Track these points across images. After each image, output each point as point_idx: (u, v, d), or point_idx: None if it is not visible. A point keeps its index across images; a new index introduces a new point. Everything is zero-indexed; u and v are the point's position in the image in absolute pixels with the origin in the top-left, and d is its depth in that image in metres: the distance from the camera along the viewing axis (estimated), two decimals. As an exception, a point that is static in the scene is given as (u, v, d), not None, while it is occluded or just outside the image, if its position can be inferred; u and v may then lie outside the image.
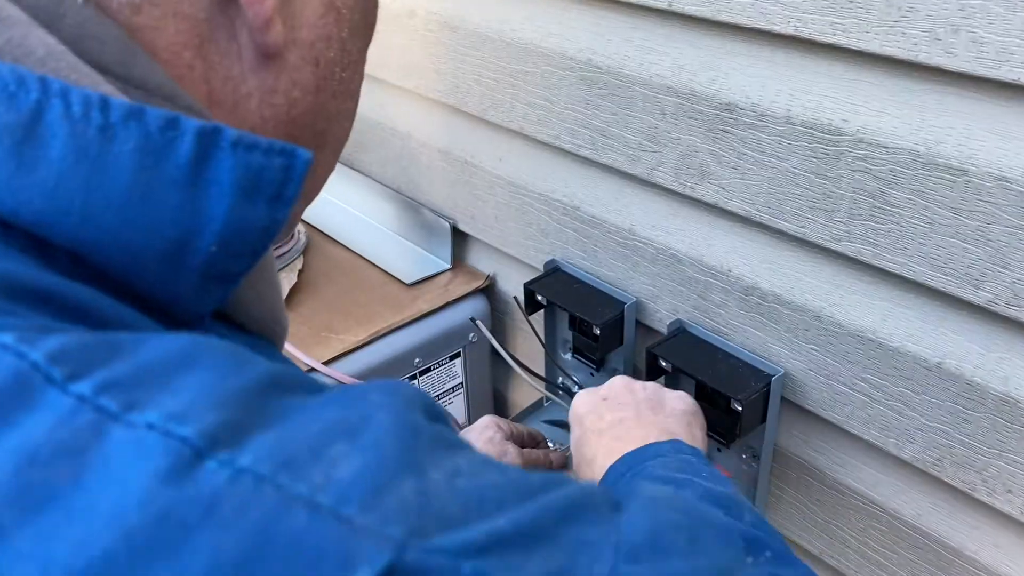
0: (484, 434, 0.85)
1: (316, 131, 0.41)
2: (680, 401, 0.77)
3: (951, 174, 0.65)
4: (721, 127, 0.80)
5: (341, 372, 1.02)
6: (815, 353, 0.80)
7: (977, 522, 0.75)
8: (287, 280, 1.16)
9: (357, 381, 1.03)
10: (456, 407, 1.18)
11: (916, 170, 0.67)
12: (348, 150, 1.37)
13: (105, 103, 0.30)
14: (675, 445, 0.67)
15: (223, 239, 0.32)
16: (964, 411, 0.71)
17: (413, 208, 1.23)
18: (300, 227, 1.29)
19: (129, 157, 0.30)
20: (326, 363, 1.03)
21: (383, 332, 1.08)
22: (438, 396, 1.15)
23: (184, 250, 0.31)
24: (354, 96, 0.44)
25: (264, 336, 0.40)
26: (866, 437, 0.79)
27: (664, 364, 0.89)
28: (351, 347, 1.05)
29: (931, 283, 0.69)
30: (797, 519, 0.91)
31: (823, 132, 0.72)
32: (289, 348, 1.03)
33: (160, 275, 0.32)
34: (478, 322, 0.99)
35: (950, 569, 0.78)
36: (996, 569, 0.74)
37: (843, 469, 0.84)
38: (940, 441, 0.73)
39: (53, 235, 0.30)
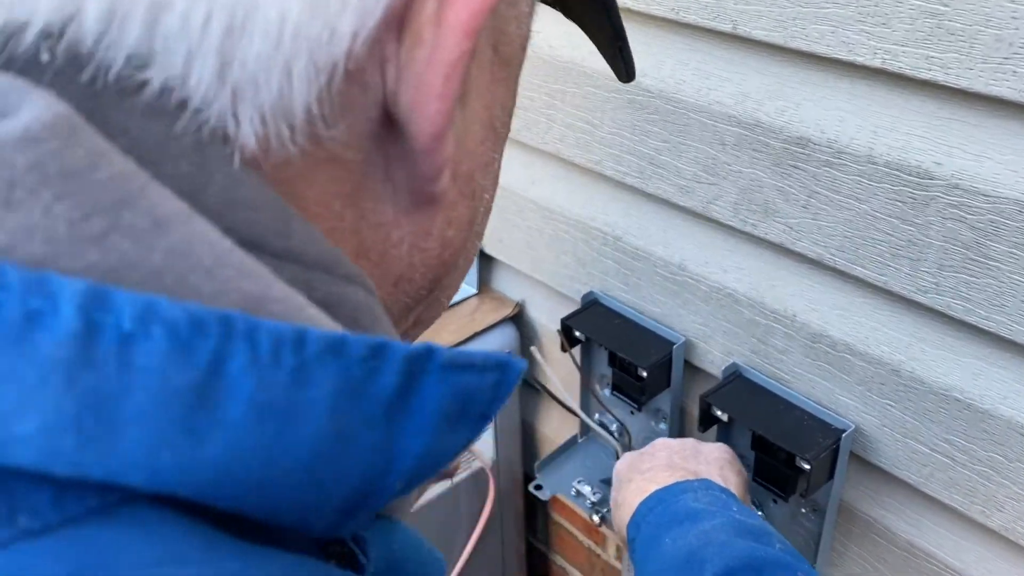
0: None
1: (458, 265, 0.34)
2: (716, 450, 0.79)
3: (1065, 229, 0.58)
4: (791, 162, 0.73)
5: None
6: (891, 409, 0.74)
7: (1073, 599, 0.69)
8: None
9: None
10: (484, 442, 1.12)
11: (1021, 222, 0.60)
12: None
13: (301, 339, 0.22)
14: (704, 483, 0.70)
15: (412, 475, 0.25)
16: (1066, 483, 0.64)
17: (436, 229, 1.16)
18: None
19: (324, 403, 0.23)
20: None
21: (409, 368, 1.01)
22: (466, 432, 1.09)
23: (368, 496, 0.25)
24: (490, 212, 0.36)
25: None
26: (947, 501, 0.73)
27: (719, 413, 0.82)
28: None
29: (1035, 345, 0.62)
30: (860, 577, 0.85)
31: (911, 175, 0.65)
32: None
33: (330, 521, 0.25)
34: (536, 352, 0.93)
35: (1038, 644, 0.72)
36: (1091, 648, 0.69)
37: (916, 531, 0.78)
38: (1035, 512, 0.67)
39: (214, 504, 0.23)
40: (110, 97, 0.23)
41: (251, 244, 0.25)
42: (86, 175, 0.21)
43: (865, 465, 0.79)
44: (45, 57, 0.23)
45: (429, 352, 0.24)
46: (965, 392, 0.68)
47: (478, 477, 1.12)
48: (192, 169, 0.24)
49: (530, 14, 0.34)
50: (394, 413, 0.24)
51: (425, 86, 0.25)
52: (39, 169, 0.21)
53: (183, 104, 0.24)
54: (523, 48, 0.33)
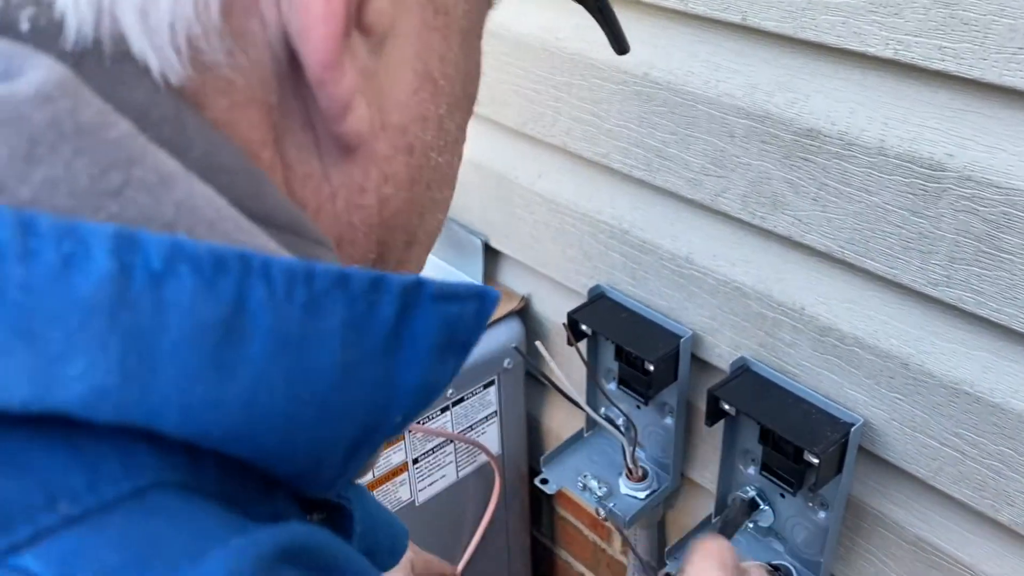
0: None
1: (408, 230, 0.33)
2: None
3: (1079, 221, 0.58)
4: (800, 154, 0.72)
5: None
6: (900, 403, 0.73)
7: (1084, 594, 0.68)
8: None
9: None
10: (490, 436, 1.11)
11: (1035, 214, 0.60)
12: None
13: (310, 274, 0.23)
14: None
15: (408, 410, 0.26)
16: (1078, 477, 0.64)
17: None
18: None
19: (334, 334, 0.24)
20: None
21: (414, 361, 1.01)
22: (471, 426, 1.08)
23: (373, 432, 0.26)
24: (451, 182, 0.36)
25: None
26: (956, 495, 0.72)
27: (727, 407, 0.82)
28: (381, 379, 0.98)
29: (1047, 339, 0.62)
30: (868, 572, 0.84)
31: (922, 166, 0.64)
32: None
33: (336, 464, 0.26)
34: (519, 349, 0.92)
35: (1047, 639, 0.72)
36: (1102, 643, 0.68)
37: (926, 525, 0.77)
38: (1046, 507, 0.67)
39: (237, 449, 0.24)
40: (87, 62, 0.24)
41: (232, 205, 0.25)
42: (99, 133, 0.22)
43: (874, 459, 0.79)
44: (25, 26, 0.23)
45: (419, 283, 0.25)
46: (975, 386, 0.68)
47: (484, 471, 1.12)
48: (173, 134, 0.25)
49: None
50: (392, 344, 0.25)
51: (308, 8, 0.25)
52: (56, 126, 0.21)
53: (147, 66, 0.24)
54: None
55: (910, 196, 0.66)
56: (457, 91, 0.33)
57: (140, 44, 0.24)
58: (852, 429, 0.75)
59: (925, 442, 0.73)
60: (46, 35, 0.23)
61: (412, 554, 0.77)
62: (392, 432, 0.27)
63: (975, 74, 0.59)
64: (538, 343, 0.89)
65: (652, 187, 0.87)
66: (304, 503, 0.30)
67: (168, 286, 0.21)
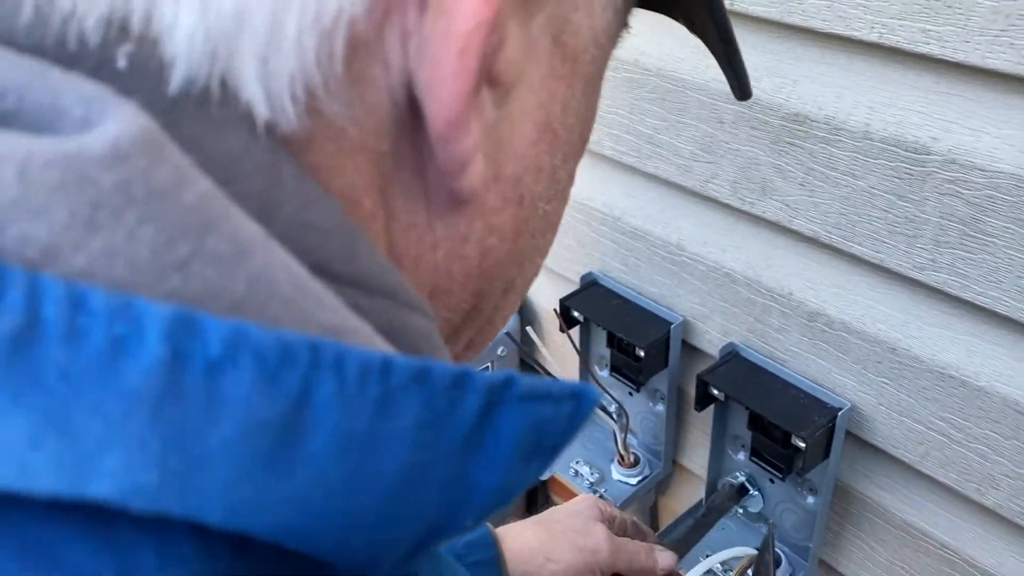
0: (571, 506, 0.74)
1: (507, 279, 0.32)
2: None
3: (1061, 203, 0.58)
4: (788, 139, 0.72)
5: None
6: (887, 387, 0.74)
7: (1068, 577, 0.69)
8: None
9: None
10: (483, 423, 1.12)
11: (1018, 196, 0.60)
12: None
13: (387, 368, 0.21)
14: None
15: (481, 513, 0.24)
16: (1061, 460, 0.64)
17: (436, 211, 1.16)
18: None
19: (408, 434, 0.22)
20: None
21: (408, 348, 1.01)
22: (465, 413, 1.09)
23: (439, 532, 0.24)
24: (556, 228, 0.34)
25: None
26: (942, 479, 0.73)
27: (716, 392, 0.82)
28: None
29: (1030, 321, 0.62)
30: (856, 556, 0.85)
31: (907, 150, 0.65)
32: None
33: (398, 560, 0.24)
34: (509, 333, 0.92)
35: (1033, 623, 0.72)
36: (1086, 626, 0.68)
37: (912, 510, 0.78)
38: (1030, 490, 0.67)
39: (292, 544, 0.22)
40: (184, 107, 0.22)
41: (318, 269, 0.23)
42: (172, 196, 0.20)
43: (861, 444, 0.79)
44: (122, 63, 0.21)
45: (509, 382, 0.23)
46: (961, 370, 0.68)
47: (477, 458, 1.12)
48: (266, 187, 0.23)
49: (610, 6, 0.31)
50: (472, 445, 0.23)
51: (440, 63, 0.23)
52: (125, 190, 0.19)
53: (250, 113, 0.22)
54: (597, 44, 0.30)
55: (895, 180, 0.66)
56: (575, 139, 0.31)
57: (253, 92, 0.22)
58: (839, 414, 0.76)
59: (912, 427, 0.73)
60: (146, 76, 0.21)
61: (597, 499, 0.75)
62: (461, 533, 0.25)
63: (959, 57, 0.59)
64: (528, 328, 0.90)
65: (643, 174, 0.88)
66: None
67: (225, 379, 0.19)
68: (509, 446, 0.23)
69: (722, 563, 0.85)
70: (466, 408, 0.22)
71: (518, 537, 0.70)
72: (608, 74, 0.93)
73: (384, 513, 0.22)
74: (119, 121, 0.20)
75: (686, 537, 0.81)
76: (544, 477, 1.00)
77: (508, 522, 0.74)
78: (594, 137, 0.94)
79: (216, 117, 0.22)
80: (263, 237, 0.21)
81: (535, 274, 0.35)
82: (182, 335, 0.19)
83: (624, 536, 0.76)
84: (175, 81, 0.21)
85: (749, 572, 0.80)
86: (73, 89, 0.20)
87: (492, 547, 0.68)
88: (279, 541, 0.22)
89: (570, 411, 0.25)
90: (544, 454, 0.25)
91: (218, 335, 0.19)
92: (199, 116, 0.22)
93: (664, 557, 0.74)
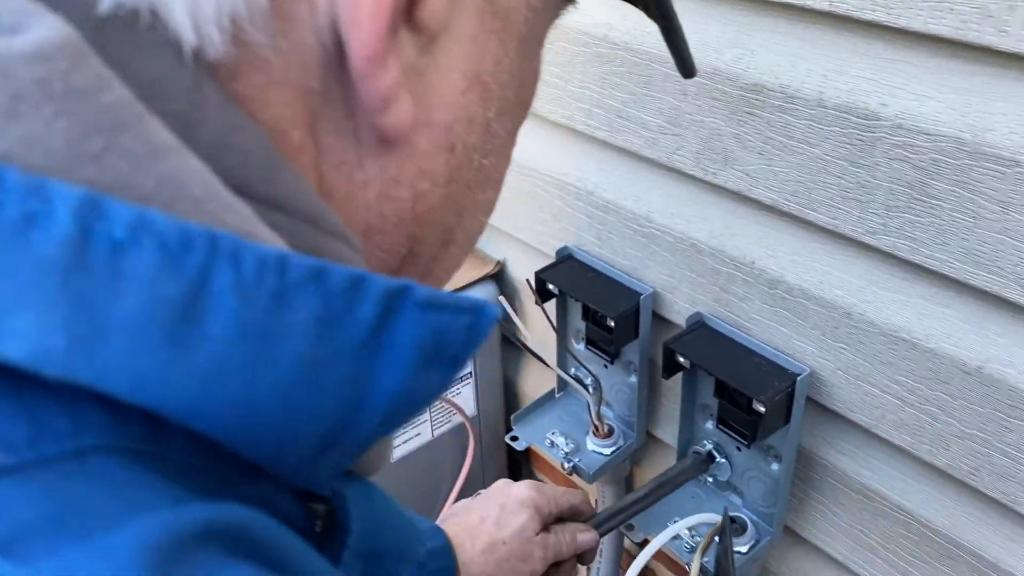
0: (516, 520, 0.75)
1: (444, 228, 0.33)
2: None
3: (1001, 164, 0.59)
4: (747, 109, 0.74)
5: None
6: (844, 352, 0.75)
7: (1016, 535, 0.70)
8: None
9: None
10: (465, 397, 1.14)
11: (961, 159, 0.61)
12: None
13: (283, 264, 0.23)
14: None
15: (387, 413, 0.26)
16: (1006, 419, 0.66)
17: (420, 189, 1.18)
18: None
19: (303, 329, 0.24)
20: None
21: (388, 320, 1.03)
22: (446, 386, 1.11)
23: (343, 430, 0.26)
24: (496, 184, 0.36)
25: (367, 474, 0.35)
26: (897, 442, 0.74)
27: (682, 360, 0.84)
28: (354, 336, 1.01)
29: (973, 282, 0.64)
30: (821, 523, 0.86)
31: (858, 116, 0.66)
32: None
33: (304, 456, 0.26)
34: (502, 299, 0.94)
35: (985, 582, 0.73)
36: (1035, 584, 0.70)
37: (871, 473, 0.79)
38: (978, 450, 0.68)
39: (192, 422, 0.24)
40: (111, 28, 0.23)
41: (237, 186, 0.25)
42: (90, 97, 0.22)
43: (822, 410, 0.81)
44: None
45: (407, 288, 0.25)
46: (912, 332, 0.70)
47: (459, 431, 1.15)
48: (188, 108, 0.25)
49: None
50: (370, 346, 0.25)
51: (358, 3, 0.25)
52: (45, 85, 0.22)
53: (178, 40, 0.24)
54: (530, 7, 0.31)
55: (848, 146, 0.68)
56: (509, 96, 0.33)
57: (181, 19, 0.24)
58: (798, 379, 0.77)
59: (868, 390, 0.75)
60: None
61: (534, 493, 0.77)
62: (371, 435, 0.27)
63: (902, 23, 0.61)
64: (501, 298, 0.92)
65: (614, 147, 0.90)
66: (306, 494, 0.30)
67: (128, 257, 0.21)
68: (408, 350, 0.25)
69: (689, 529, 0.87)
70: (364, 309, 0.24)
71: (467, 563, 0.73)
72: (579, 49, 0.95)
73: (284, 402, 0.24)
74: (45, 28, 0.22)
75: (636, 502, 0.83)
76: (520, 448, 1.02)
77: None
78: (567, 112, 0.96)
79: (144, 40, 0.24)
80: (177, 145, 0.24)
81: (478, 230, 0.37)
82: (90, 215, 0.21)
83: (560, 522, 0.79)
84: (104, 3, 0.23)
85: (716, 539, 0.82)
86: (6, 3, 0.23)
87: (451, 556, 0.71)
88: (185, 420, 0.23)
89: (469, 323, 0.27)
90: (445, 364, 0.26)
91: (123, 218, 0.21)
92: (126, 38, 0.24)
93: (585, 539, 0.78)
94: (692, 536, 0.87)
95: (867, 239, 0.70)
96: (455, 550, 0.72)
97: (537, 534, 0.75)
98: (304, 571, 0.25)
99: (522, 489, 0.78)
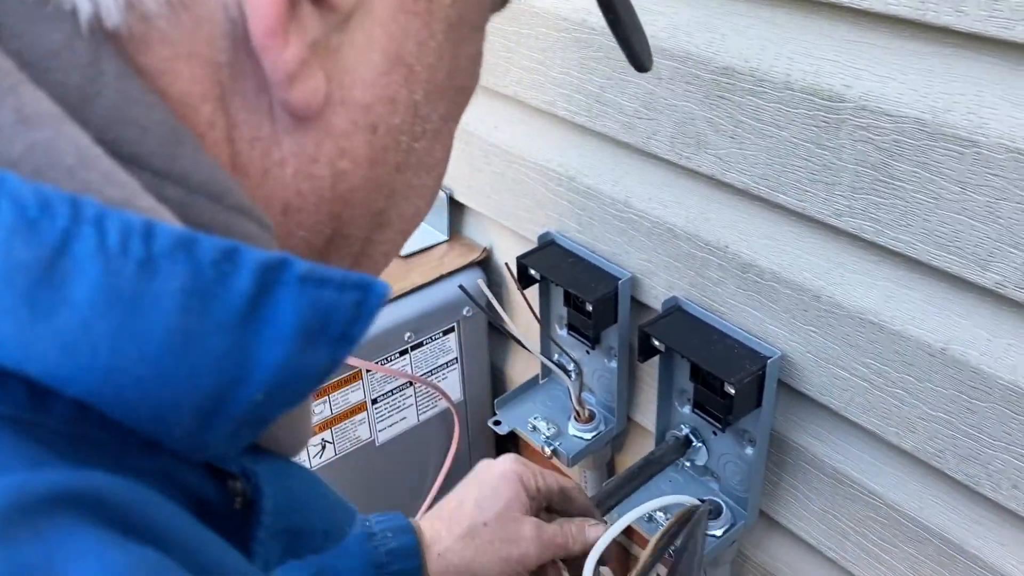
0: (498, 497, 0.71)
1: (373, 210, 0.33)
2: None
3: (959, 145, 0.59)
4: (718, 93, 0.75)
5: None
6: (814, 335, 0.76)
7: (981, 518, 0.70)
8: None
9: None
10: (451, 382, 1.15)
11: (921, 140, 0.62)
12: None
13: (149, 231, 0.23)
14: None
15: (272, 388, 0.26)
16: (969, 400, 0.66)
17: (410, 177, 1.19)
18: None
19: (172, 298, 0.23)
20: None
21: (373, 305, 1.04)
22: (431, 371, 1.12)
23: (223, 402, 0.26)
24: (433, 170, 0.35)
25: (284, 453, 0.34)
26: (866, 425, 0.75)
27: (657, 343, 0.85)
28: (339, 320, 1.02)
29: (935, 263, 0.64)
30: (795, 507, 0.87)
31: (823, 99, 0.67)
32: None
33: (187, 427, 0.26)
34: (464, 287, 0.95)
35: (952, 566, 0.73)
36: (1001, 568, 0.70)
37: (842, 457, 0.80)
38: (943, 432, 0.69)
39: (64, 388, 0.24)
40: (9, 1, 0.24)
41: (131, 159, 0.25)
42: None
43: (795, 395, 0.81)
44: None
45: (284, 262, 0.25)
46: (879, 315, 0.70)
47: (445, 416, 1.16)
48: (83, 81, 0.25)
49: None
50: (248, 320, 0.24)
51: None
52: None
53: (75, 11, 0.24)
54: None
55: (814, 129, 0.68)
56: (439, 80, 0.32)
57: None
58: (769, 361, 0.78)
59: (837, 373, 0.75)
60: None
61: (518, 466, 0.74)
62: (260, 409, 0.26)
63: (865, 5, 0.61)
64: (479, 280, 0.93)
65: (593, 133, 0.90)
66: (223, 473, 0.30)
67: None
68: (289, 326, 0.25)
69: (663, 511, 0.87)
70: (238, 282, 0.24)
71: (444, 552, 0.70)
72: (559, 35, 0.96)
73: (157, 371, 0.24)
74: None
75: (615, 490, 0.83)
76: (503, 432, 1.03)
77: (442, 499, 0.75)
78: (549, 98, 0.96)
79: (40, 12, 0.24)
80: (59, 115, 0.24)
81: (417, 215, 0.36)
82: None
83: (550, 509, 0.76)
84: None
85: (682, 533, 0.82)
86: None
87: (416, 555, 0.69)
88: (55, 385, 0.24)
89: (356, 300, 0.26)
90: (333, 341, 0.26)
91: None
92: (21, 9, 0.24)
93: (594, 532, 0.73)
94: (667, 518, 0.87)
95: (834, 221, 0.70)
96: (426, 546, 0.70)
97: (526, 513, 0.72)
98: (182, 542, 0.25)
99: (503, 463, 0.74)
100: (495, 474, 0.73)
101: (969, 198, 0.60)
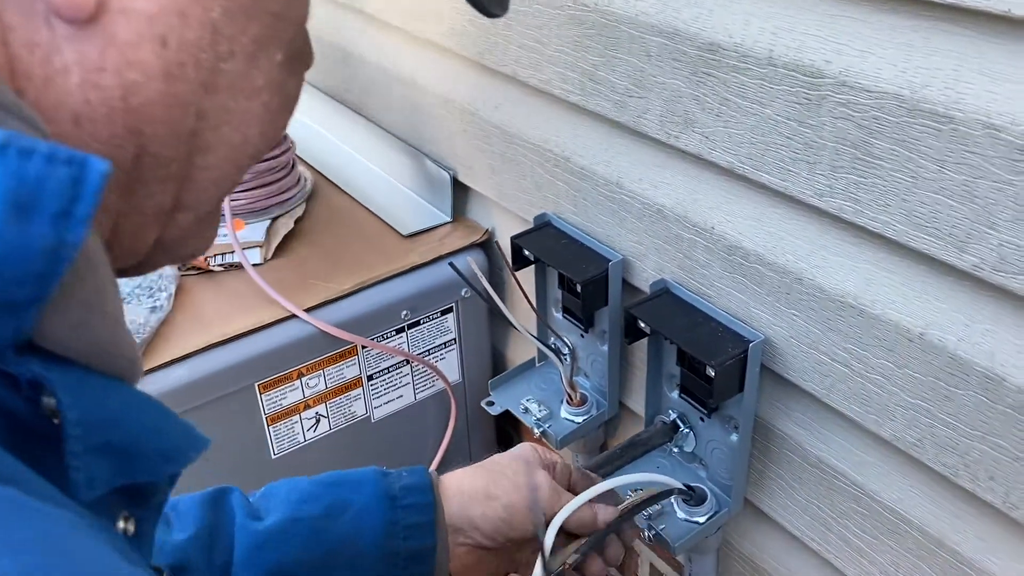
0: (514, 453, 0.74)
1: (181, 130, 0.33)
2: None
3: (936, 121, 0.58)
4: (704, 69, 0.73)
5: (323, 321, 1.00)
6: (797, 319, 0.74)
7: (959, 511, 0.68)
8: (283, 227, 1.14)
9: (337, 331, 1.00)
10: (449, 363, 1.15)
11: (900, 117, 0.60)
12: (356, 95, 1.34)
13: None
14: None
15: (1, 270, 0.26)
16: (947, 388, 0.64)
17: (416, 157, 1.19)
18: (307, 173, 1.27)
19: None
20: (308, 310, 1.01)
21: (370, 282, 1.05)
22: (428, 351, 1.12)
23: None
24: (255, 96, 0.35)
25: (101, 370, 0.33)
26: (847, 412, 0.73)
27: (643, 326, 0.84)
28: (335, 296, 1.03)
29: (913, 244, 0.62)
30: (780, 497, 0.85)
31: (805, 74, 0.65)
32: (272, 294, 1.01)
33: None
34: (455, 266, 0.95)
35: (931, 560, 0.71)
36: (980, 564, 0.68)
37: (825, 446, 0.78)
38: (921, 420, 0.67)
39: None
40: None
41: None
42: None
43: (779, 380, 0.79)
44: None
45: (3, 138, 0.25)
46: (859, 298, 0.68)
47: (444, 396, 1.16)
48: None
49: None
50: None
51: None
52: None
53: None
54: None
55: (796, 106, 0.67)
56: (245, 0, 0.33)
57: None
58: (751, 345, 0.76)
59: (819, 358, 0.73)
60: None
61: (537, 446, 0.76)
62: None
63: (844, -24, 0.60)
64: (470, 260, 0.92)
65: (587, 112, 0.89)
66: (35, 384, 0.30)
67: None
68: None
69: (637, 491, 0.86)
70: None
71: (460, 480, 0.72)
72: (554, 12, 0.96)
73: None
74: None
75: (595, 469, 0.82)
76: (495, 413, 1.02)
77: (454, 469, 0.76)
78: (545, 76, 0.96)
79: None
80: None
81: (246, 143, 0.36)
82: None
83: (567, 484, 0.76)
84: None
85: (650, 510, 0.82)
86: None
87: (429, 492, 0.70)
88: None
89: (72, 176, 0.26)
90: (54, 217, 0.26)
91: None
92: None
93: (605, 511, 0.73)
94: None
95: (815, 201, 0.68)
96: (441, 483, 0.72)
97: (540, 468, 0.73)
98: None
99: (518, 446, 0.77)
100: (511, 450, 0.76)
101: (947, 177, 0.58)
